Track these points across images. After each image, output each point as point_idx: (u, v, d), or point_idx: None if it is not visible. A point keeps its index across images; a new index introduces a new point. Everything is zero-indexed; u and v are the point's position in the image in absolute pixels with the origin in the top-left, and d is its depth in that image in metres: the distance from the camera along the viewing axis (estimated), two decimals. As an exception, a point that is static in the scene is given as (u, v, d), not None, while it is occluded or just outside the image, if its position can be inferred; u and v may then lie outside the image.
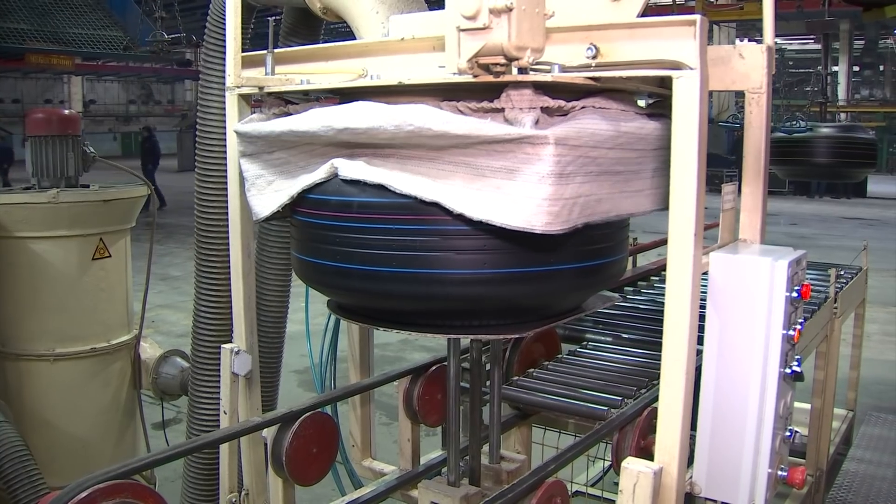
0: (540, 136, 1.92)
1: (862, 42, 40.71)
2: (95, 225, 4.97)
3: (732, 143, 27.79)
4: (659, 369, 2.16)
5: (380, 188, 2.10)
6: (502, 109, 2.01)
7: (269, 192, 2.46)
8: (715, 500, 2.43)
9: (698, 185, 2.04)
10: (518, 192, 1.97)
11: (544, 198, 1.95)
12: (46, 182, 5.01)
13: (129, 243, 5.29)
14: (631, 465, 2.11)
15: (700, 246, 2.07)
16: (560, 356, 3.76)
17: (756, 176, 2.52)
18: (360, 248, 2.18)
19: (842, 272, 5.84)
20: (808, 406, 5.75)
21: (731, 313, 2.27)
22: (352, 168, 2.14)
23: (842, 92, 36.95)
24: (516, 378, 3.43)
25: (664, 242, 2.18)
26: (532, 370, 3.51)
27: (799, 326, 2.32)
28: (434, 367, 3.34)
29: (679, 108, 2.02)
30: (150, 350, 5.42)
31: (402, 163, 2.10)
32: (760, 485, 2.34)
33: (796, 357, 2.37)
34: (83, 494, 2.14)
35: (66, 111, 5.42)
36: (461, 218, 2.03)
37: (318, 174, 2.22)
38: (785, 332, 2.25)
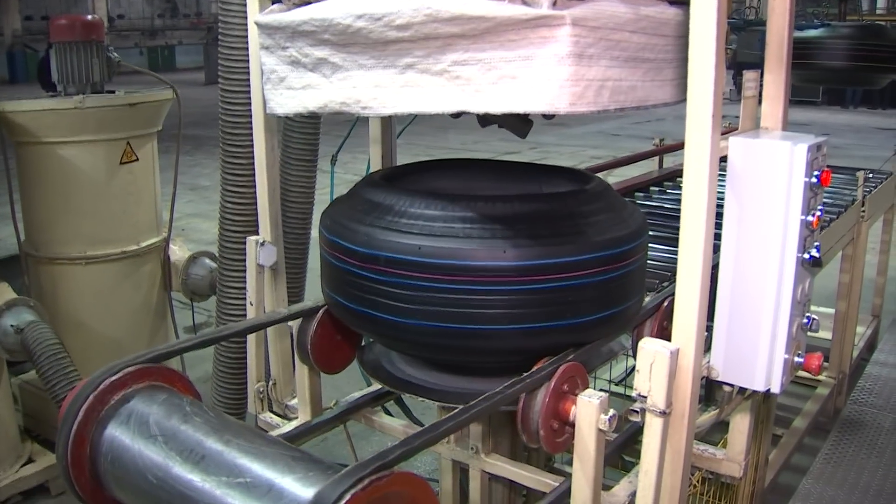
0: (557, 16, 1.89)
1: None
2: (122, 129, 5.01)
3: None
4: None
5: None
6: (521, -9, 1.98)
7: (280, 88, 2.47)
8: (732, 385, 2.47)
9: (717, 69, 2.01)
10: (538, 77, 1.94)
11: (566, 79, 1.91)
12: (72, 88, 5.04)
13: (155, 147, 5.33)
14: (648, 344, 2.12)
15: (718, 129, 2.05)
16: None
17: (778, 63, 2.48)
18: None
19: (870, 175, 5.77)
20: (832, 311, 5.78)
21: (749, 198, 2.27)
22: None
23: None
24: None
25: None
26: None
27: (818, 212, 2.31)
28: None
29: (697, -9, 1.99)
30: (179, 252, 5.49)
31: (422, 74, 2.10)
32: (777, 369, 2.37)
33: (815, 243, 2.37)
34: (114, 377, 2.17)
35: (89, 17, 5.39)
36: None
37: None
38: (804, 217, 2.24)
